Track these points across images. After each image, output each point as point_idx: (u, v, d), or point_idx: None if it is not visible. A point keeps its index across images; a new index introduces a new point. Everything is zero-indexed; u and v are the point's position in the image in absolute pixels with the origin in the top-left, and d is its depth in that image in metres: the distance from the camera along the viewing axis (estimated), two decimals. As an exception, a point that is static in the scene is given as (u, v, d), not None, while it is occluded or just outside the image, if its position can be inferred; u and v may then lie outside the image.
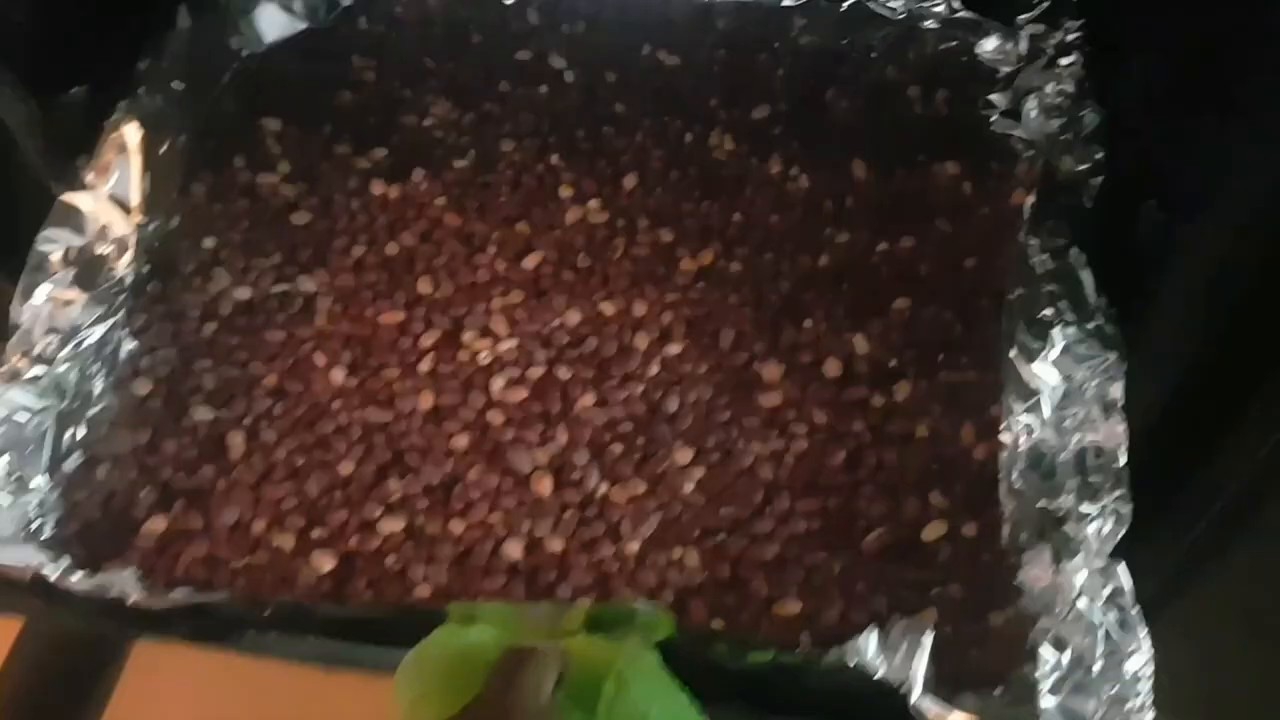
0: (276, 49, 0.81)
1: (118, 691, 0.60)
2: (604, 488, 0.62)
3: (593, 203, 0.73)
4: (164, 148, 0.70)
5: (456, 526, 0.60)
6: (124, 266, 0.67)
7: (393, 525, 0.60)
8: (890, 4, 0.78)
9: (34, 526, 0.60)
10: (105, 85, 0.69)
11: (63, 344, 0.63)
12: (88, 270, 0.65)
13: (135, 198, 0.68)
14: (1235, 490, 0.58)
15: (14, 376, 0.61)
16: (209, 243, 0.72)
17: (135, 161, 0.68)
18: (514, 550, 0.60)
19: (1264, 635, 0.59)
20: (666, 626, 0.52)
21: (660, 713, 0.47)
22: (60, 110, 0.67)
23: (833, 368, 0.65)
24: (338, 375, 0.66)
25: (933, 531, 0.59)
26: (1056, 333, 0.59)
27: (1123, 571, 0.53)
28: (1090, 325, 0.60)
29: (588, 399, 0.65)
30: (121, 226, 0.67)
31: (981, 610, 0.56)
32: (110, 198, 0.66)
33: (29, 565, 0.55)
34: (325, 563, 0.59)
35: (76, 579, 0.55)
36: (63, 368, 0.63)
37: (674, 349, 0.67)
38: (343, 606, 0.56)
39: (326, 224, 0.73)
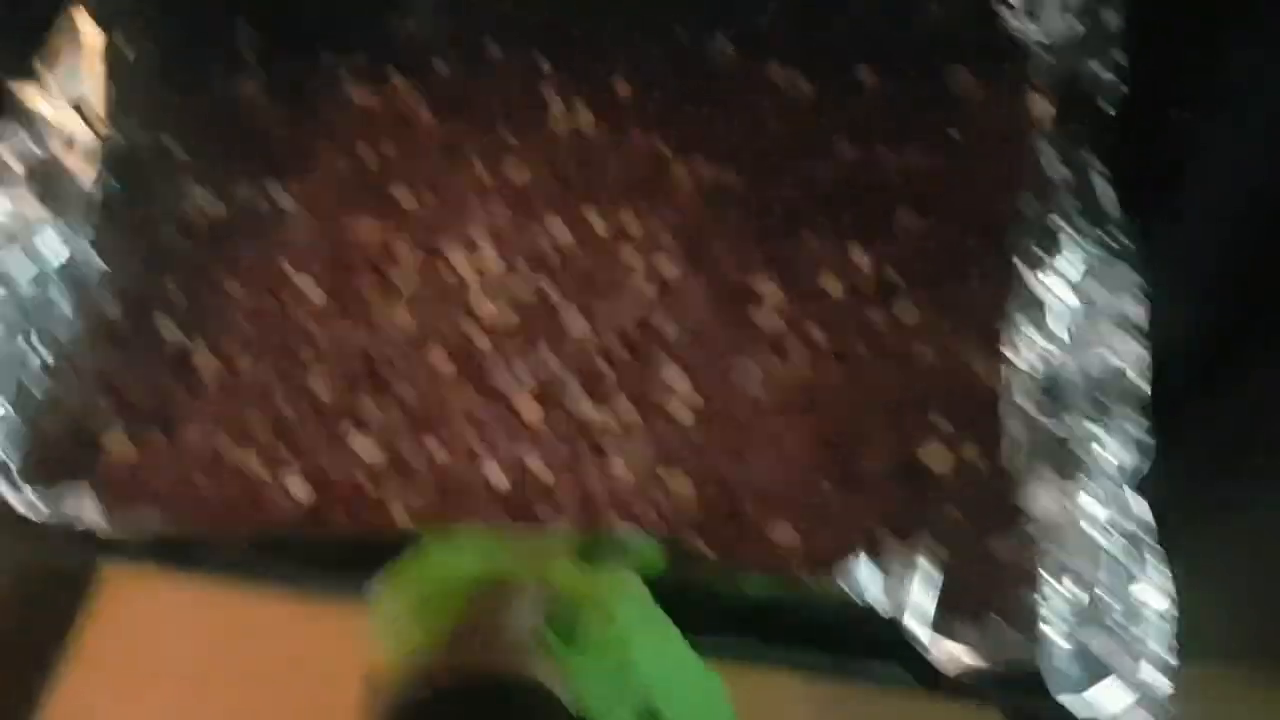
0: (252, -51, 0.76)
1: (88, 618, 0.58)
2: (593, 411, 0.59)
3: (583, 110, 0.69)
4: (131, 52, 0.66)
5: (437, 451, 0.58)
6: (90, 180, 0.63)
7: (370, 450, 0.58)
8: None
9: (-3, 451, 0.58)
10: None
11: (26, 259, 0.60)
12: (51, 184, 0.62)
13: (100, 105, 0.64)
14: (1261, 417, 0.55)
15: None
16: (180, 152, 0.68)
17: (98, 67, 0.64)
18: (497, 475, 0.57)
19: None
20: (656, 560, 0.49)
21: (644, 642, 0.44)
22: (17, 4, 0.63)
23: (833, 285, 0.62)
24: (314, 293, 0.63)
25: (933, 454, 0.57)
26: (1073, 248, 0.56)
27: (1137, 500, 0.50)
28: (1109, 240, 0.56)
29: (577, 319, 0.62)
30: (86, 136, 0.63)
31: (983, 536, 0.54)
32: (73, 104, 0.63)
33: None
34: (299, 488, 0.57)
35: (40, 505, 0.53)
36: (27, 288, 0.60)
37: (668, 266, 0.63)
38: (314, 532, 0.54)
39: (303, 133, 0.70)
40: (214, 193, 0.67)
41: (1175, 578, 0.49)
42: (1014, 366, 0.56)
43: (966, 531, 0.54)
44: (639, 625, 0.45)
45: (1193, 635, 0.49)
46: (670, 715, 0.43)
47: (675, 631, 0.46)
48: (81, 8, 0.64)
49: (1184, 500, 0.53)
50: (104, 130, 0.64)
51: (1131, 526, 0.50)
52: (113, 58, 0.65)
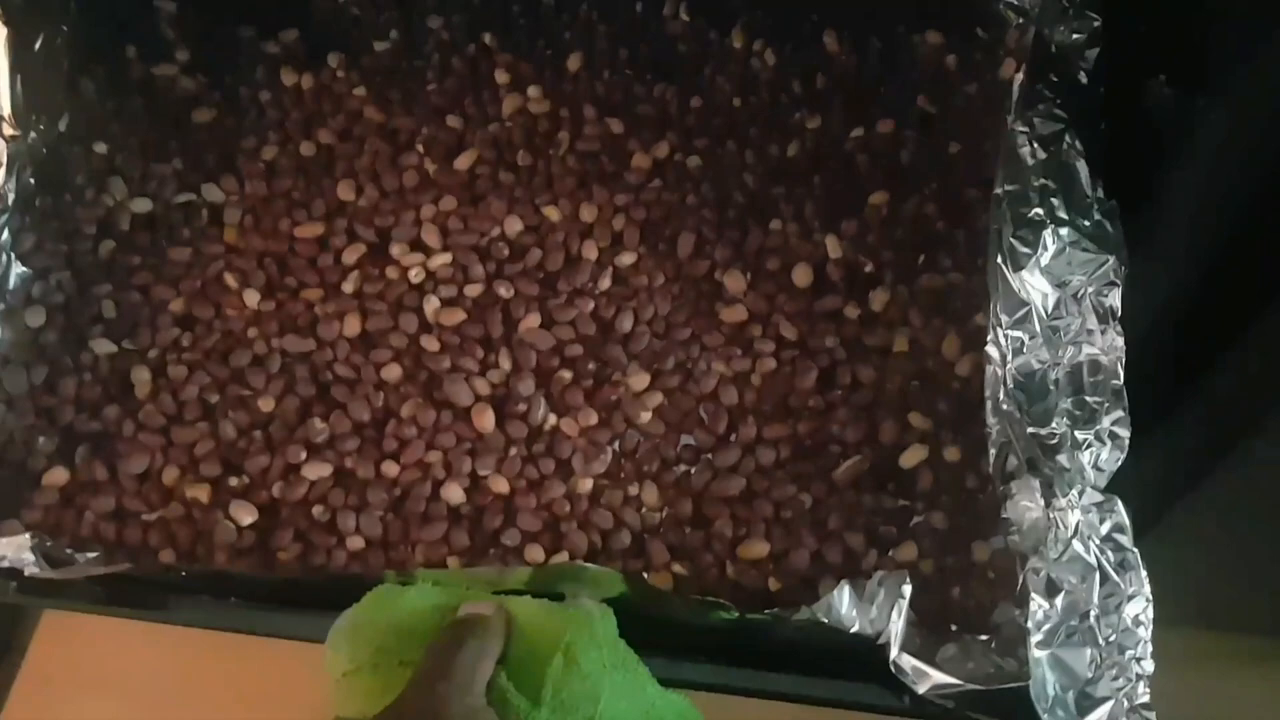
0: (169, -85, 0.71)
1: (29, 657, 0.55)
2: (552, 419, 0.57)
3: (532, 89, 0.66)
4: (39, 42, 0.61)
5: (390, 468, 0.55)
6: (4, 181, 0.59)
7: (319, 469, 0.55)
8: None
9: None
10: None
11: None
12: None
13: (7, 105, 0.59)
14: (1237, 403, 0.54)
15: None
16: (101, 148, 0.65)
17: (2, 62, 0.59)
18: (454, 493, 0.55)
19: (1261, 546, 0.56)
20: (618, 587, 0.47)
21: (614, 693, 0.42)
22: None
23: (803, 275, 0.60)
24: (252, 298, 0.60)
25: (912, 456, 0.55)
26: (1049, 234, 0.53)
27: (1121, 507, 0.48)
28: (1086, 224, 0.53)
29: (532, 319, 0.59)
30: (-8, 137, 0.59)
31: (965, 542, 0.52)
32: (-23, 104, 0.58)
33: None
34: (245, 515, 0.54)
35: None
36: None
37: (627, 258, 0.61)
38: (266, 572, 0.51)
39: (233, 121, 0.66)
40: (140, 188, 0.63)
41: (1151, 568, 0.47)
42: (994, 361, 0.53)
43: (949, 542, 0.52)
44: (607, 673, 0.43)
45: (1169, 604, 0.47)
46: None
47: (645, 671, 0.44)
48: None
49: (1160, 487, 0.51)
50: (11, 129, 0.59)
51: (1116, 534, 0.48)
52: (17, 47, 0.60)
